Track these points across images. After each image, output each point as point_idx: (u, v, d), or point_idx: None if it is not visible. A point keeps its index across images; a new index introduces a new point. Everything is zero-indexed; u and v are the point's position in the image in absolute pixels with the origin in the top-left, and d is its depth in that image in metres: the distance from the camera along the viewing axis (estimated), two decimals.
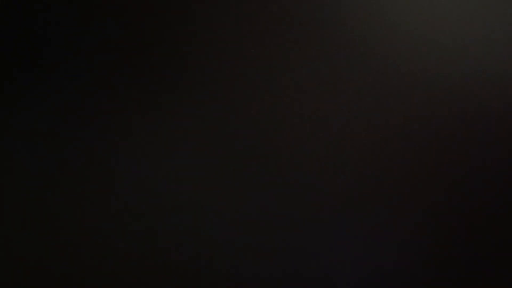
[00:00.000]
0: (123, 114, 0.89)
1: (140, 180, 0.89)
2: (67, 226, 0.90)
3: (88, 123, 0.90)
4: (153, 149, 0.89)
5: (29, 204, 0.90)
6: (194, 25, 0.90)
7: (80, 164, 0.89)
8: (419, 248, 0.88)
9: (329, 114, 0.88)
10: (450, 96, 0.88)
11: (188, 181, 0.89)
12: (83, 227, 0.90)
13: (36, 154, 0.90)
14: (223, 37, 0.90)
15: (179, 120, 0.89)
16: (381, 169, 0.88)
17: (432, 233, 0.88)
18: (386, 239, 0.88)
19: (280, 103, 0.89)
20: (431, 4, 0.88)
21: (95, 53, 0.90)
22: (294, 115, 0.89)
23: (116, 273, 0.89)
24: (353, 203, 0.88)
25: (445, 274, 0.88)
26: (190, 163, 0.89)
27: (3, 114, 0.90)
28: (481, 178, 0.87)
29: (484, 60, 0.88)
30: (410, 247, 0.88)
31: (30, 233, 0.90)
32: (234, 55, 0.89)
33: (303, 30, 0.89)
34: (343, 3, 0.89)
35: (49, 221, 0.90)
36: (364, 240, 0.88)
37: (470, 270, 0.87)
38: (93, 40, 0.90)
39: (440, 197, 0.87)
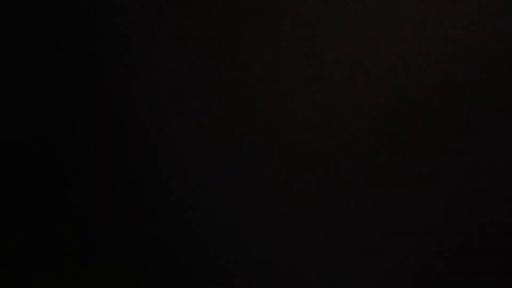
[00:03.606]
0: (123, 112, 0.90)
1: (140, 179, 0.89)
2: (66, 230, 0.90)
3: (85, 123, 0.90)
4: (155, 148, 0.89)
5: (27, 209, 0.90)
6: (193, 24, 0.90)
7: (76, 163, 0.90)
8: (420, 249, 0.88)
9: (329, 113, 0.88)
10: (451, 96, 0.88)
11: (187, 180, 0.89)
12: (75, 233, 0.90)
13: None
14: (223, 37, 0.90)
15: (180, 120, 0.89)
16: (381, 169, 0.88)
17: (433, 233, 0.88)
18: (387, 240, 0.88)
19: (281, 102, 0.89)
20: (432, 3, 0.88)
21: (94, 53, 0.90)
22: (295, 114, 0.89)
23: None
24: (354, 203, 0.88)
25: (445, 274, 0.88)
26: (192, 161, 0.89)
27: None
28: (482, 179, 0.87)
29: (485, 60, 0.88)
30: (412, 248, 0.88)
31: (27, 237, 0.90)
32: (236, 54, 0.89)
33: (305, 29, 0.89)
34: (343, 3, 0.89)
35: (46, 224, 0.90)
36: (365, 240, 0.88)
37: (470, 271, 0.87)
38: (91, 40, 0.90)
39: (441, 196, 0.87)
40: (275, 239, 0.88)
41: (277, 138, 0.88)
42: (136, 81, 0.89)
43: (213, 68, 0.89)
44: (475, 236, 0.87)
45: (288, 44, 0.89)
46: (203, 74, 0.89)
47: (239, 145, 0.89)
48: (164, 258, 0.89)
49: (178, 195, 0.89)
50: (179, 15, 0.90)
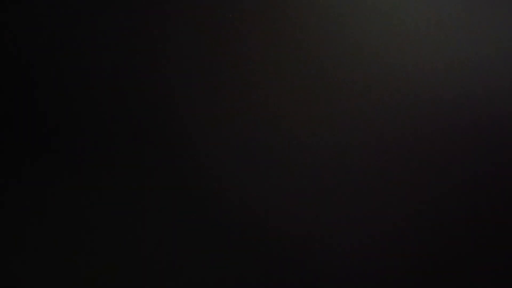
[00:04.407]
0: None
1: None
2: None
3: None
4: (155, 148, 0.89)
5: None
6: (193, 25, 0.90)
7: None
8: (420, 250, 0.88)
9: (329, 114, 0.89)
10: (451, 97, 0.88)
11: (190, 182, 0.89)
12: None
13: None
14: (227, 38, 0.90)
15: (183, 119, 0.89)
16: (381, 170, 0.88)
17: (433, 234, 0.88)
18: (388, 239, 0.88)
19: (283, 102, 0.89)
20: (433, 4, 0.88)
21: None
22: (298, 114, 0.89)
23: None
24: (354, 202, 0.88)
25: (445, 274, 0.88)
26: (197, 161, 0.89)
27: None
28: (483, 179, 0.87)
29: (485, 60, 0.88)
30: (412, 249, 0.88)
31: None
32: (239, 55, 0.89)
33: (308, 30, 0.89)
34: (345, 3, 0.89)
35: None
36: (366, 239, 0.88)
37: (469, 270, 0.88)
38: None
39: (441, 196, 0.88)
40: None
41: (277, 138, 0.89)
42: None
43: (216, 66, 0.90)
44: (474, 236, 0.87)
45: (289, 44, 0.89)
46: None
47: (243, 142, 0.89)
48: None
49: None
50: (183, 15, 0.90)
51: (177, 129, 0.89)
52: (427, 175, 0.88)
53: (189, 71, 0.90)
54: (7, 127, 0.90)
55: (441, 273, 0.88)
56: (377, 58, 0.88)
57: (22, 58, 0.90)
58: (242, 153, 0.89)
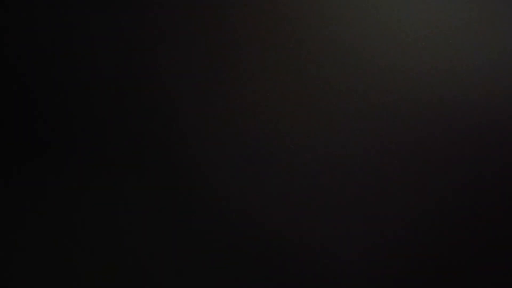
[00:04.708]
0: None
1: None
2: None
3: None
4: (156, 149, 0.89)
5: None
6: (193, 26, 0.90)
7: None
8: (420, 250, 0.88)
9: (328, 114, 0.89)
10: (450, 97, 0.88)
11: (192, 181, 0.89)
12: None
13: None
14: (226, 38, 0.90)
15: (184, 121, 0.89)
16: (381, 172, 0.88)
17: (432, 234, 0.88)
18: (388, 239, 0.88)
19: (284, 103, 0.89)
20: (433, 5, 0.88)
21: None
22: (298, 115, 0.89)
23: None
24: (354, 204, 0.88)
25: (446, 275, 0.88)
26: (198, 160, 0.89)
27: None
28: (484, 181, 0.87)
29: (485, 60, 0.88)
30: (412, 249, 0.88)
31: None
32: (238, 56, 0.89)
33: (307, 30, 0.89)
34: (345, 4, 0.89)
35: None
36: (367, 240, 0.88)
37: (469, 270, 0.87)
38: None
39: (442, 198, 0.88)
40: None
41: (276, 139, 0.89)
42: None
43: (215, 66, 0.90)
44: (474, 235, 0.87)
45: (289, 44, 0.89)
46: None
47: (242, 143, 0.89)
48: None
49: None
50: (184, 15, 0.90)
51: (177, 129, 0.89)
52: (427, 177, 0.88)
53: (189, 71, 0.90)
54: (7, 127, 0.90)
55: (441, 275, 0.88)
56: (377, 59, 0.88)
57: (22, 58, 0.91)
58: (241, 154, 0.89)
